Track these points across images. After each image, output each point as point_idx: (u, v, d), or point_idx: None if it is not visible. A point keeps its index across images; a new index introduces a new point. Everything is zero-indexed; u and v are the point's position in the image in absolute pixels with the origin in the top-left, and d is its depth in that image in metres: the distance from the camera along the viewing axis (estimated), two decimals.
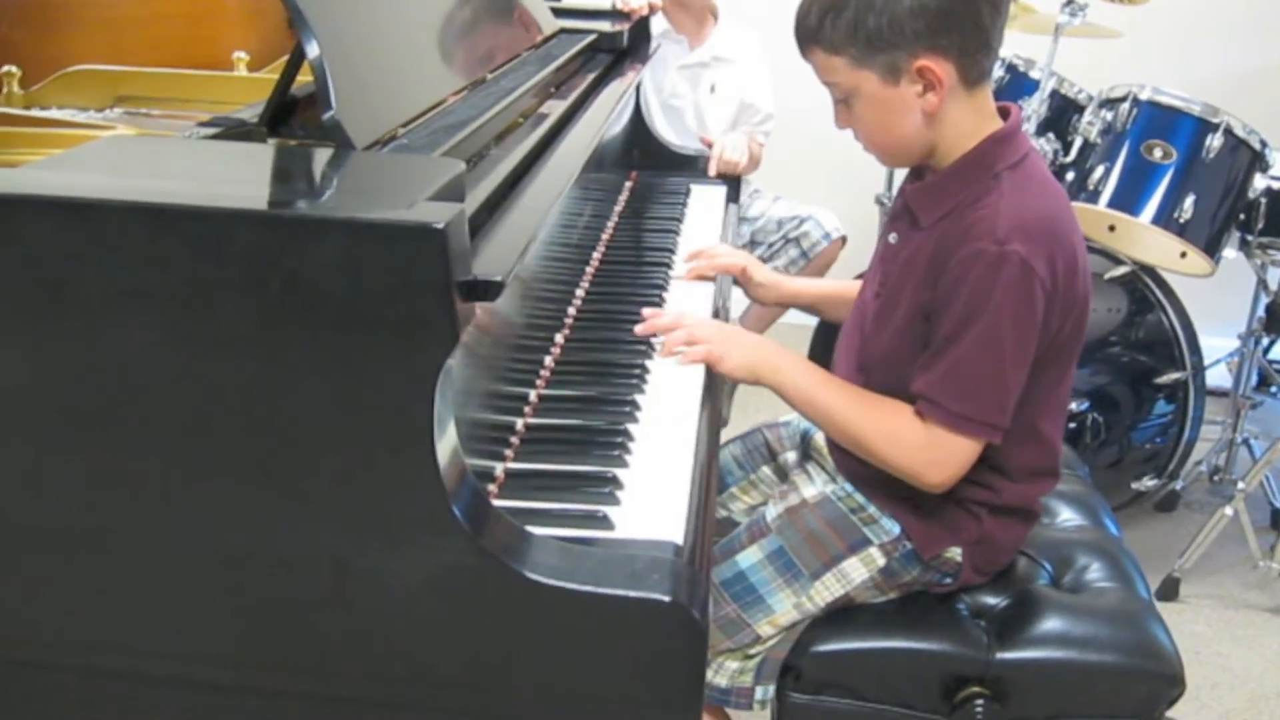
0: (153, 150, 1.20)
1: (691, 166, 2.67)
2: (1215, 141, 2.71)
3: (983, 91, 1.63)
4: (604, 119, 1.83)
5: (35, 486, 1.05)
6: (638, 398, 1.52)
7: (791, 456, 1.92)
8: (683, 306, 1.86)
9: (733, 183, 2.64)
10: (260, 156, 1.20)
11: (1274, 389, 3.46)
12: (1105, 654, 1.67)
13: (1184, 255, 2.92)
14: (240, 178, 1.11)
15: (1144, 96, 2.78)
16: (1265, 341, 3.31)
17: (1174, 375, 3.00)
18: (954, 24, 1.54)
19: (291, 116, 1.49)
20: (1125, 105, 2.78)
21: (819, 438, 1.82)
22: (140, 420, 1.01)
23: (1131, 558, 1.91)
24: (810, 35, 1.60)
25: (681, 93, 3.27)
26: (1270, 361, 3.47)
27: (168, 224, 0.95)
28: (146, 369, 0.99)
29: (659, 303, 1.88)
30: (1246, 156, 2.76)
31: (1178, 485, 3.23)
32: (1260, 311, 3.22)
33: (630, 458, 1.37)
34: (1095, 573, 1.83)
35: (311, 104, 1.55)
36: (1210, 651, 2.78)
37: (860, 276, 1.90)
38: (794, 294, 2.00)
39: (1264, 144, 2.77)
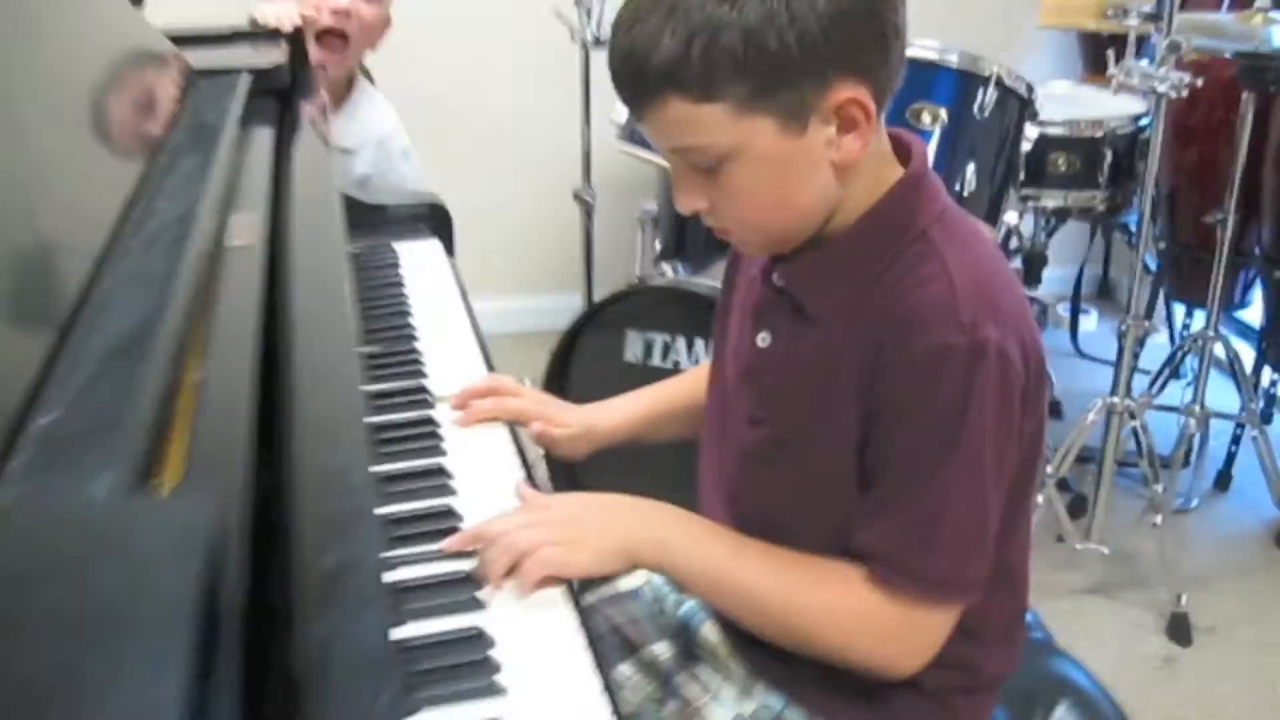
0: None
1: (377, 218, 2.01)
2: (988, 97, 2.32)
3: (881, 127, 1.13)
4: (336, 225, 1.22)
5: None
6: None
7: (662, 650, 1.33)
8: (467, 458, 1.28)
9: (443, 228, 2.03)
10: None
11: None
12: None
13: None
14: None
15: None
16: None
17: None
18: (868, 36, 1.04)
19: None
20: None
21: (705, 630, 1.28)
22: None
23: (1095, 681, 1.51)
24: (665, 76, 1.03)
25: None
26: None
27: None
28: None
29: (436, 451, 1.29)
30: (1017, 107, 2.40)
31: None
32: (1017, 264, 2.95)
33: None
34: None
35: None
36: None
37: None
38: (611, 432, 1.44)
39: (1030, 89, 2.42)
